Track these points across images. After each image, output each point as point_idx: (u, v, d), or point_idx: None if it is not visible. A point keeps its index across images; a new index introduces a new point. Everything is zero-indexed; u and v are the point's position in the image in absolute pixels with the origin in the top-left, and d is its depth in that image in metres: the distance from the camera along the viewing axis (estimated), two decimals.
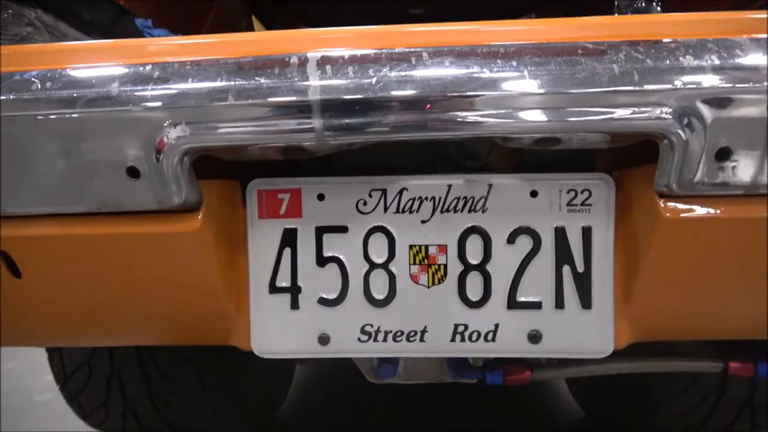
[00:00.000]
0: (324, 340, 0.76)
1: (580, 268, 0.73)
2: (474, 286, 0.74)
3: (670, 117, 0.61)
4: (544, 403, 2.23)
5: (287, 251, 0.76)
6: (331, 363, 0.91)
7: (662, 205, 0.69)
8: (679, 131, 0.62)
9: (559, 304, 0.73)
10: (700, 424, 1.55)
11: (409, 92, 0.61)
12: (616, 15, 1.36)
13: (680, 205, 0.69)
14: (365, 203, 0.75)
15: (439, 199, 0.75)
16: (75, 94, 0.65)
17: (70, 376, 1.49)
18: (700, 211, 0.69)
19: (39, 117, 0.65)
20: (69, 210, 0.71)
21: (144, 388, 1.49)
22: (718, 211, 0.68)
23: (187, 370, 1.47)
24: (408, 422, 1.92)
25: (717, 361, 0.80)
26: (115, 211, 0.72)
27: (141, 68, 0.66)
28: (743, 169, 0.65)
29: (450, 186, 0.74)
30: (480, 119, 0.61)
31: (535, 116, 0.61)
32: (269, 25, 2.12)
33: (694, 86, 0.61)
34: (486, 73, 0.61)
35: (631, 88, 0.61)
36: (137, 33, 1.22)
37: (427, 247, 0.75)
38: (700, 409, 1.51)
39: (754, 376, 0.82)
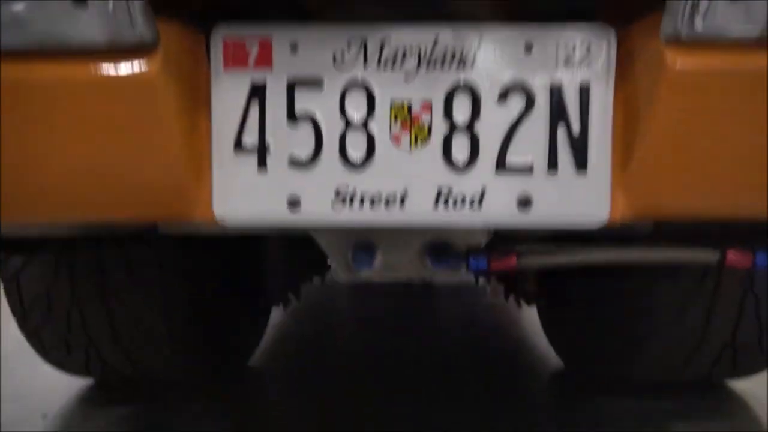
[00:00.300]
0: (294, 204, 0.68)
1: (576, 129, 0.67)
2: (460, 148, 0.68)
3: None
4: (521, 354, 2.21)
5: (255, 106, 0.69)
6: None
7: (669, 54, 0.63)
8: None
9: (552, 166, 0.67)
10: (682, 366, 1.52)
11: None
12: None
13: (689, 56, 0.63)
14: (343, 55, 0.68)
15: (425, 51, 0.68)
16: None
17: (28, 309, 1.40)
18: (711, 61, 0.63)
19: None
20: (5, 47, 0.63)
21: (107, 325, 1.41)
22: (733, 62, 0.63)
23: (152, 305, 1.39)
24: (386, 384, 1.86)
25: (714, 250, 0.75)
26: (60, 49, 0.64)
27: None
28: (761, 10, 0.60)
29: (437, 36, 0.67)
30: None
31: None
32: None
33: None
34: None
35: None
36: None
37: (410, 104, 0.68)
38: (682, 349, 1.48)
39: (752, 267, 0.76)
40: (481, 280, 3.14)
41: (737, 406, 1.56)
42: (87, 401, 1.57)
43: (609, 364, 1.60)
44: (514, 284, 1.75)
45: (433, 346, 2.36)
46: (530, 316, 2.42)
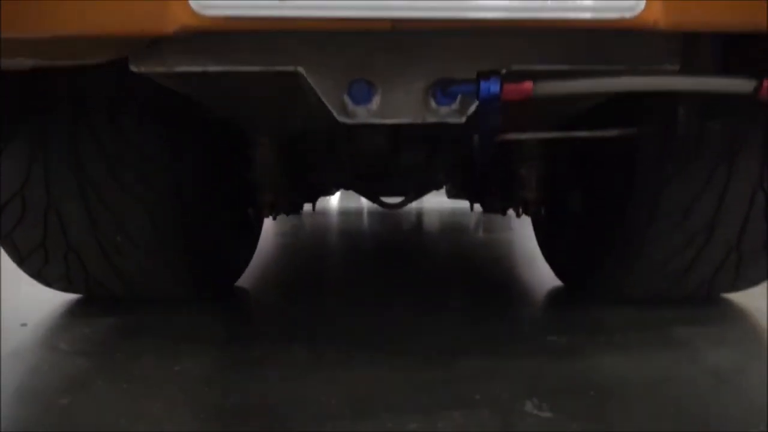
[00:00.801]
0: None
1: None
2: None
3: None
4: (520, 275, 2.18)
5: None
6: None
7: None
8: None
9: None
10: (682, 274, 1.48)
11: None
12: None
13: None
14: None
15: None
16: None
17: (1, 211, 1.32)
18: None
19: None
20: None
21: (87, 229, 1.33)
22: None
23: (134, 206, 1.31)
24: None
25: (750, 80, 0.68)
26: None
27: None
28: None
29: None
30: None
31: None
32: None
33: None
34: None
35: None
36: None
37: None
38: (684, 255, 1.43)
39: None
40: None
41: (737, 314, 1.54)
42: (70, 312, 1.52)
43: (607, 275, 1.56)
44: (509, 196, 1.69)
45: (427, 270, 2.34)
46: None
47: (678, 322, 1.42)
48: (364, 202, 6.78)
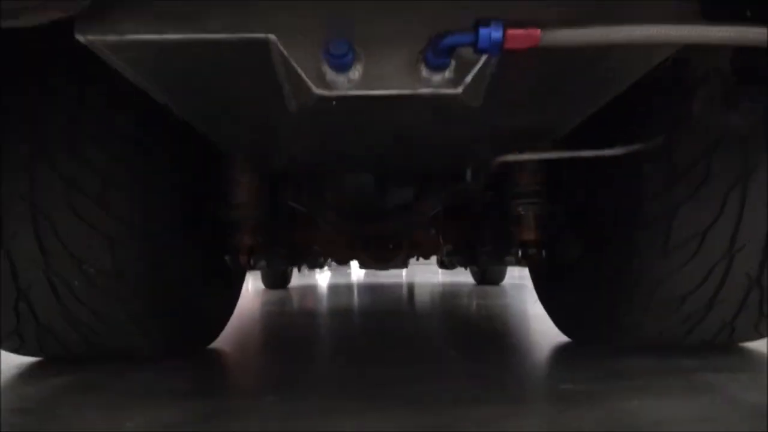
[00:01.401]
0: None
1: None
2: None
3: None
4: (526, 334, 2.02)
5: None
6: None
7: None
8: None
9: None
10: (681, 338, 1.35)
11: None
12: None
13: None
14: None
15: None
16: None
17: None
18: None
19: None
20: None
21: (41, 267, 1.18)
22: None
23: (95, 241, 1.18)
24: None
25: (763, 28, 0.59)
26: None
27: None
28: None
29: None
30: None
31: None
32: None
33: None
34: None
35: None
36: None
37: None
38: (681, 327, 1.31)
39: None
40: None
41: (762, 360, 1.39)
42: (19, 373, 1.34)
43: (618, 323, 1.41)
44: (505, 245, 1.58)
45: (424, 330, 2.17)
46: None
47: (703, 369, 1.27)
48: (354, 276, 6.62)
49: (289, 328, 2.28)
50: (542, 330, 1.91)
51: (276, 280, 4.48)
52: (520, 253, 1.47)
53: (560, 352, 1.59)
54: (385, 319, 2.57)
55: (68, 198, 1.11)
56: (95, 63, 1.12)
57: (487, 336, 1.99)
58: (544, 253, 1.47)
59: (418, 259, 4.64)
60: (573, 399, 1.03)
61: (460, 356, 1.56)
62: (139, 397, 1.10)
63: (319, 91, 0.64)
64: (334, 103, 0.68)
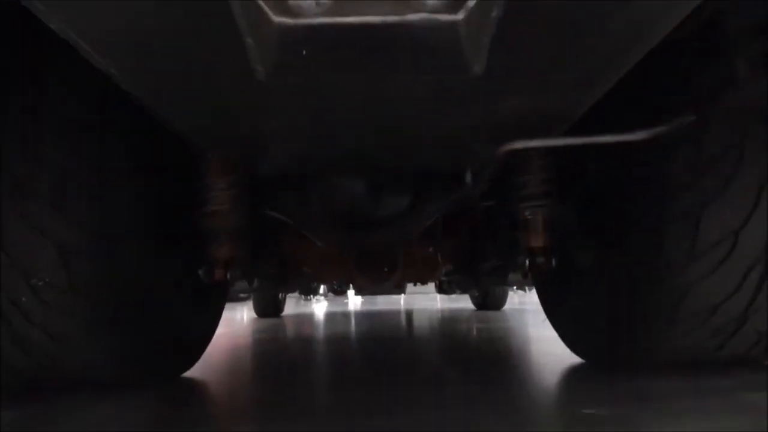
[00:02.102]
0: None
1: None
2: None
3: None
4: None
5: None
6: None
7: None
8: None
9: None
10: (711, 353, 1.21)
11: None
12: None
13: None
14: None
15: None
16: None
17: None
18: None
19: None
20: None
21: None
22: None
23: (46, 250, 1.03)
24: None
25: None
26: None
27: None
28: None
29: None
30: None
31: None
32: None
33: None
34: None
35: None
36: None
37: None
38: (712, 341, 1.17)
39: None
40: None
41: None
42: None
43: (639, 338, 1.26)
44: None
45: (425, 351, 2.01)
46: None
47: (741, 388, 1.12)
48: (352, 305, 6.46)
49: (278, 354, 2.11)
50: (551, 351, 1.75)
51: (268, 308, 4.30)
52: (527, 262, 1.32)
53: (574, 373, 1.43)
54: (383, 343, 2.41)
55: (17, 198, 0.97)
56: (51, 45, 1.01)
57: (492, 359, 1.83)
58: (554, 261, 1.32)
59: (415, 284, 4.51)
60: (600, 424, 0.87)
61: (464, 380, 1.40)
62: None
63: (279, 19, 0.50)
64: (304, 52, 0.55)
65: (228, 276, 1.28)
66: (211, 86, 0.73)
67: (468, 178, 1.32)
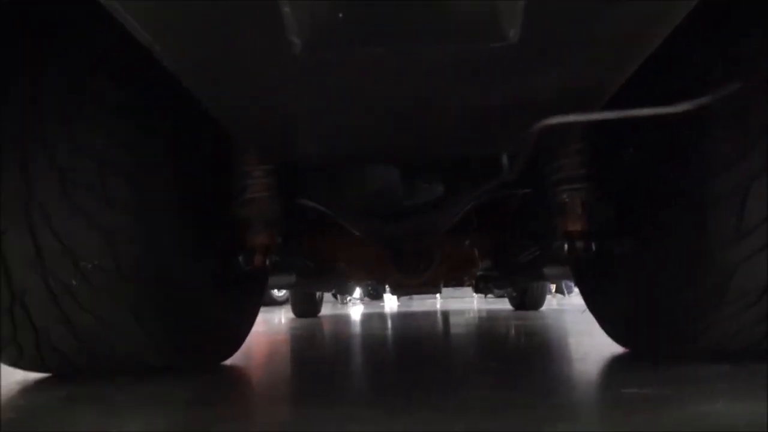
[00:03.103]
0: None
1: None
2: None
3: None
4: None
5: None
6: None
7: None
8: None
9: None
10: (759, 340, 1.16)
11: None
12: None
13: None
14: None
15: None
16: None
17: None
18: None
19: None
20: None
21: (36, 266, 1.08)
22: None
23: (93, 236, 1.07)
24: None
25: None
26: None
27: None
28: None
29: None
30: None
31: None
32: None
33: None
34: None
35: None
36: None
37: None
38: (760, 326, 1.12)
39: None
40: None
41: None
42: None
43: (684, 324, 1.22)
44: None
45: (463, 343, 1.99)
46: None
47: None
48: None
49: (315, 348, 2.13)
50: (593, 343, 1.72)
51: (305, 309, 4.34)
52: (566, 247, 1.30)
53: (617, 361, 1.39)
54: (420, 339, 2.40)
55: (63, 187, 1.01)
56: (87, 33, 1.05)
57: (532, 350, 1.80)
58: (593, 245, 1.30)
59: (453, 285, 4.48)
60: (641, 403, 0.85)
61: (505, 368, 1.38)
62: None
63: None
64: (340, 15, 0.56)
65: (266, 262, 1.31)
66: (249, 62, 0.75)
67: (504, 161, 1.31)
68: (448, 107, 0.94)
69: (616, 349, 1.51)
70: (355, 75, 0.79)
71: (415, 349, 1.96)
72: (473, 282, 3.78)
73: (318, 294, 4.55)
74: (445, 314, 4.46)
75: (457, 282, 3.76)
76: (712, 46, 1.01)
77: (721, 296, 1.10)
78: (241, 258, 1.31)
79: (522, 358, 1.60)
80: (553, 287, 9.35)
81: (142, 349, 1.23)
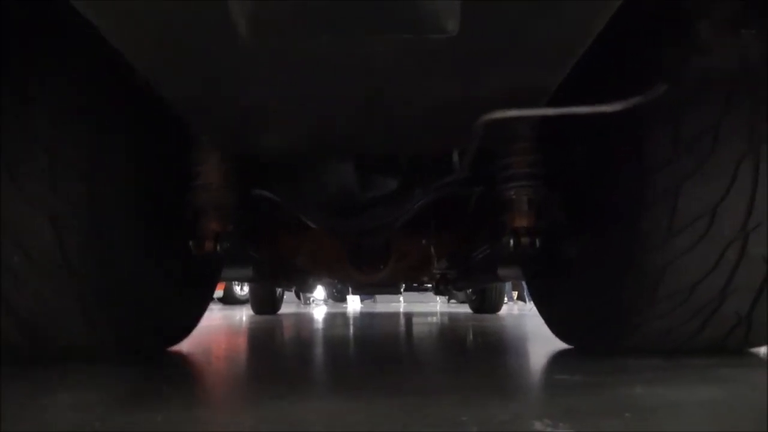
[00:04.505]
0: None
1: None
2: None
3: None
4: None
5: None
6: None
7: None
8: None
9: None
10: (690, 337, 1.22)
11: None
12: None
13: None
14: None
15: None
16: None
17: None
18: None
19: None
20: None
21: None
22: None
23: (39, 215, 1.06)
24: None
25: None
26: None
27: None
28: None
29: None
30: None
31: None
32: None
33: None
34: None
35: None
36: None
37: None
38: (690, 323, 1.18)
39: None
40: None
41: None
42: None
43: (619, 325, 1.27)
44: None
45: (420, 338, 2.02)
46: None
47: (715, 366, 1.13)
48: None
49: (269, 338, 2.13)
50: (541, 342, 1.77)
51: (264, 305, 4.33)
52: (511, 242, 1.34)
53: (560, 355, 1.44)
54: (377, 328, 2.42)
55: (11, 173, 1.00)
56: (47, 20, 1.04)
57: (482, 346, 1.84)
58: (538, 242, 1.34)
59: (412, 285, 4.51)
60: (570, 387, 0.89)
61: (453, 359, 1.41)
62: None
63: None
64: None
65: (217, 248, 1.31)
66: (197, 47, 0.76)
67: (455, 158, 1.35)
68: (395, 100, 0.97)
69: (562, 346, 1.56)
70: (300, 65, 0.81)
71: (375, 338, 1.98)
72: (433, 283, 3.84)
73: (279, 291, 4.54)
74: (407, 315, 4.49)
75: (415, 281, 3.79)
76: (642, 53, 1.06)
77: (653, 295, 1.16)
78: (192, 243, 1.31)
79: (472, 351, 1.64)
80: (515, 294, 9.49)
81: (84, 337, 1.21)
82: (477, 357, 1.48)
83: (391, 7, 0.66)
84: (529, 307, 7.19)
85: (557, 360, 1.36)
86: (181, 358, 1.43)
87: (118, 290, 1.18)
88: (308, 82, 0.89)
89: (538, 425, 0.60)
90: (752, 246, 1.08)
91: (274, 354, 1.63)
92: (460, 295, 4.90)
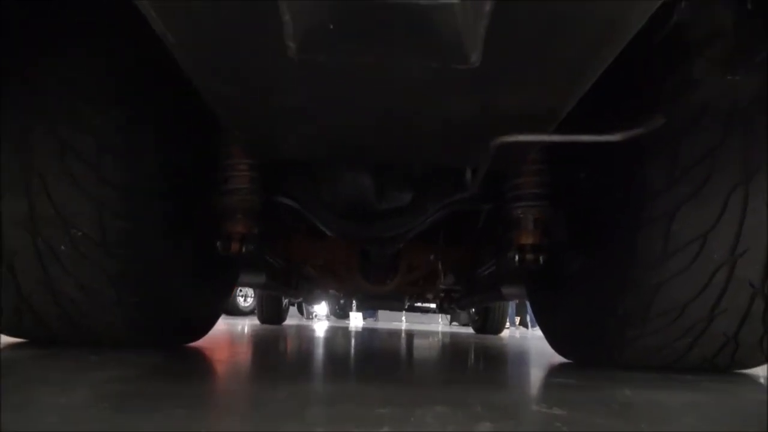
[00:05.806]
0: None
1: None
2: None
3: None
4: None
5: None
6: None
7: None
8: None
9: None
10: (681, 354, 1.30)
11: None
12: None
13: None
14: None
15: None
16: None
17: None
18: None
19: None
20: None
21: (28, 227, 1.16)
22: None
23: (85, 207, 1.16)
24: None
25: None
26: None
27: None
28: None
29: None
30: None
31: None
32: None
33: None
34: None
35: None
36: None
37: None
38: (682, 341, 1.26)
39: None
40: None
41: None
42: None
43: (615, 341, 1.35)
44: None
45: (422, 354, 2.09)
46: None
47: (706, 379, 1.20)
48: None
49: (277, 343, 2.21)
50: (542, 357, 1.84)
51: (270, 316, 4.42)
52: (516, 257, 1.43)
53: (558, 367, 1.52)
54: (379, 345, 2.49)
55: (62, 159, 1.10)
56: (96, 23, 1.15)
57: (483, 359, 1.92)
58: (542, 259, 1.43)
59: (417, 300, 4.56)
60: (564, 387, 0.97)
61: (459, 366, 1.49)
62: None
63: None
64: (331, 26, 0.69)
65: (242, 249, 1.41)
66: (249, 59, 0.87)
67: (468, 175, 1.45)
68: (419, 117, 1.07)
69: (561, 360, 1.63)
70: (340, 79, 0.92)
71: (374, 349, 2.05)
72: (437, 302, 3.90)
73: (285, 302, 4.63)
74: (408, 332, 4.55)
75: (420, 297, 3.86)
76: (644, 88, 1.17)
77: (647, 312, 1.24)
78: (219, 244, 1.40)
79: (477, 361, 1.72)
80: (517, 320, 9.53)
81: (118, 323, 1.29)
82: (481, 366, 1.55)
83: (424, 38, 0.76)
84: (531, 333, 7.22)
85: (555, 370, 1.44)
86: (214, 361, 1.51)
87: (150, 281, 1.27)
88: (342, 94, 0.99)
89: (535, 408, 0.69)
90: (740, 270, 1.16)
91: (305, 357, 1.71)
92: (463, 316, 4.97)
